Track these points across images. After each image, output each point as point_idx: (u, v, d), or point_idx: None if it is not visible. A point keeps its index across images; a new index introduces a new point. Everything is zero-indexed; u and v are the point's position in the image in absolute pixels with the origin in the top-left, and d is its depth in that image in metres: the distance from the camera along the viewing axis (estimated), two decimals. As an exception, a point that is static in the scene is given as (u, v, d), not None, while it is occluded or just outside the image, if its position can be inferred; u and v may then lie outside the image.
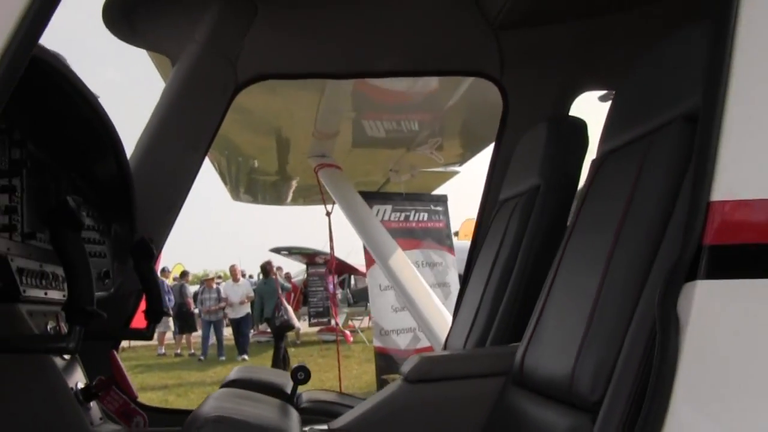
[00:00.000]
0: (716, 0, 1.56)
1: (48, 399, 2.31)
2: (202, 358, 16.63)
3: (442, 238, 8.75)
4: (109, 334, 3.10)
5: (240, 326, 17.03)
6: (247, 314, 17.31)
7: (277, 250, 19.95)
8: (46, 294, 2.46)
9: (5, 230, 2.27)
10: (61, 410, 2.33)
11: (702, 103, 1.58)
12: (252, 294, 17.50)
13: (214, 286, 17.79)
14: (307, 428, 2.32)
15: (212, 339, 17.79)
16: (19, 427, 2.23)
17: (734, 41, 1.51)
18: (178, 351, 18.09)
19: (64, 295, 2.63)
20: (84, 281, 2.18)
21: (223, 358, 16.68)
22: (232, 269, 18.09)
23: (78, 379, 2.58)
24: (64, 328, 2.63)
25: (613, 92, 2.62)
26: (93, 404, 2.57)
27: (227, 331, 18.27)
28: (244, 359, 16.10)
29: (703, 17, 1.74)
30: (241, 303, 17.00)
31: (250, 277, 22.85)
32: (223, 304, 17.34)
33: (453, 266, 8.33)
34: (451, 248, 8.74)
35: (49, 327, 2.48)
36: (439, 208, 8.72)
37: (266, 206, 9.03)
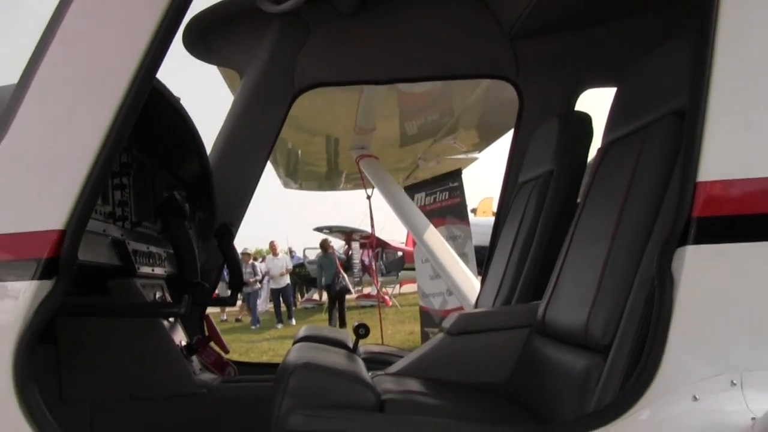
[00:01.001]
0: (699, 14, 1.68)
1: (161, 353, 2.50)
2: (252, 327, 16.40)
3: (461, 213, 8.51)
4: (200, 302, 3.29)
5: (282, 295, 16.97)
6: (288, 285, 17.17)
7: (319, 229, 19.98)
8: (153, 270, 2.64)
9: (119, 220, 2.46)
10: (172, 363, 2.51)
11: (689, 101, 1.68)
12: (291, 267, 17.43)
13: (250, 261, 17.36)
14: (370, 373, 2.46)
15: (263, 307, 17.83)
16: (143, 376, 2.44)
17: (714, 51, 1.62)
18: (239, 317, 18.29)
19: (165, 271, 2.82)
20: (190, 259, 2.37)
21: (254, 327, 16.40)
22: (272, 245, 17.82)
23: (180, 338, 2.76)
24: (167, 297, 2.83)
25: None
26: (194, 358, 2.77)
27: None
28: (291, 324, 16.20)
29: (688, 26, 1.83)
30: (281, 275, 16.85)
31: (293, 253, 22.87)
32: (259, 277, 17.22)
33: (470, 238, 8.19)
34: (467, 221, 8.50)
35: (156, 296, 2.67)
36: (455, 184, 8.35)
37: (308, 192, 9.03)
